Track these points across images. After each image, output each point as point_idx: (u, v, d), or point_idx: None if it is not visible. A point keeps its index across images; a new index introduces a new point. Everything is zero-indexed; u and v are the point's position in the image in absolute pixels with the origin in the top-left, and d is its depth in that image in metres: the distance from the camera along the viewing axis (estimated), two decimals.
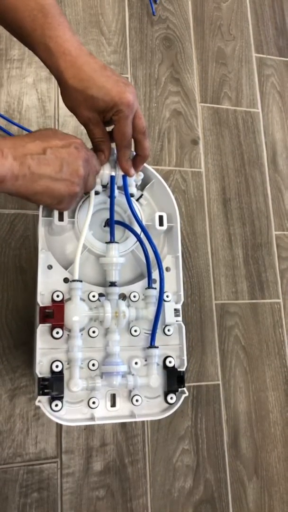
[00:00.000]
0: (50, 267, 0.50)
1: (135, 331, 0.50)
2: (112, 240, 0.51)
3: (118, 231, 0.55)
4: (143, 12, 0.99)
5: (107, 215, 0.53)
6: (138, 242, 0.52)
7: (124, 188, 0.52)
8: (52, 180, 0.43)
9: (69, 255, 0.53)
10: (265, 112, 1.02)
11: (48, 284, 0.49)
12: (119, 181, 0.53)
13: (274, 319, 0.91)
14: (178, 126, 0.95)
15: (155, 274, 0.52)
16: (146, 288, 0.51)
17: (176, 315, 0.51)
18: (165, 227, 0.54)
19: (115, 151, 0.52)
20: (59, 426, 0.75)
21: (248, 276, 0.92)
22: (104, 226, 0.55)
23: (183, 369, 0.50)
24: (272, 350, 0.89)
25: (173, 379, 0.49)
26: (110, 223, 0.51)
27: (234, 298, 0.90)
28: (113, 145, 0.53)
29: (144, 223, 0.54)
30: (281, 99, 1.04)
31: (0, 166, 0.39)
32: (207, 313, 0.88)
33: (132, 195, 0.54)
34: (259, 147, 0.99)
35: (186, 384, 0.83)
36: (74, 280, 0.49)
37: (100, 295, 0.51)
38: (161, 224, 0.54)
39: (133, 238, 0.53)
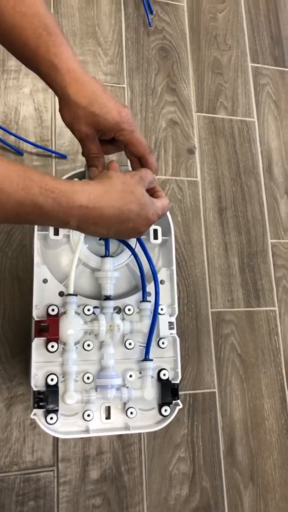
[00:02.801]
0: (45, 280, 0.51)
1: (130, 344, 0.51)
2: (107, 254, 0.52)
3: (114, 243, 0.56)
4: (140, 22, 1.00)
5: None
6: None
7: None
8: (101, 235, 0.47)
9: (65, 268, 0.54)
10: (261, 121, 1.03)
11: (43, 298, 0.50)
12: None
13: (269, 326, 0.92)
14: (174, 136, 0.96)
15: (150, 287, 0.53)
16: (140, 301, 0.52)
17: (171, 328, 0.51)
18: (159, 240, 0.55)
19: (129, 165, 0.53)
20: None
21: (244, 284, 0.92)
22: (99, 239, 0.56)
23: (177, 381, 0.51)
24: (267, 358, 0.90)
25: (167, 391, 0.49)
26: (105, 238, 0.52)
27: (230, 306, 0.91)
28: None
29: None
30: (277, 108, 1.05)
31: (62, 226, 0.43)
32: (203, 321, 0.88)
33: None
34: (254, 156, 1.00)
35: (182, 392, 0.84)
36: (69, 294, 0.49)
37: (95, 307, 0.52)
38: (155, 237, 0.55)
39: (128, 251, 0.54)
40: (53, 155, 0.87)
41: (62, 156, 0.87)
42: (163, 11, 1.02)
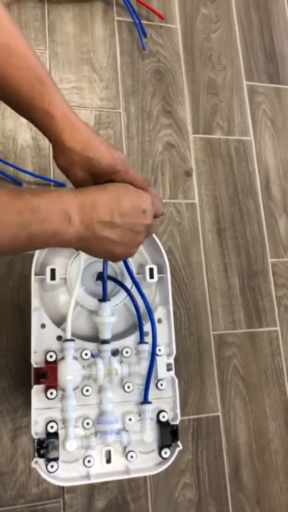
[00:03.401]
0: (43, 326, 0.52)
1: (128, 387, 0.51)
2: (104, 298, 0.52)
3: (110, 282, 0.56)
4: (134, 46, 1.00)
5: (99, 267, 0.54)
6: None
7: None
8: (113, 244, 0.45)
9: (62, 309, 0.55)
10: (257, 140, 1.03)
11: (41, 343, 0.51)
12: None
13: (272, 347, 0.92)
14: (171, 159, 0.96)
15: (147, 326, 0.53)
16: (138, 343, 0.52)
17: (169, 369, 0.51)
18: (155, 279, 0.55)
19: None
20: None
21: (245, 305, 0.92)
22: (96, 279, 0.56)
23: (177, 422, 0.51)
24: (271, 379, 0.90)
25: (167, 433, 0.50)
26: (102, 280, 0.52)
27: (231, 328, 0.91)
28: None
29: (135, 274, 0.55)
30: (273, 126, 1.05)
31: (66, 233, 0.41)
32: (205, 344, 0.88)
33: None
34: (252, 175, 1.00)
35: (186, 417, 0.84)
36: (66, 340, 0.50)
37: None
38: (151, 276, 0.55)
39: (124, 291, 0.54)
40: (52, 183, 0.88)
41: (61, 185, 0.88)
42: (156, 34, 1.03)
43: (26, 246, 0.41)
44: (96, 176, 0.51)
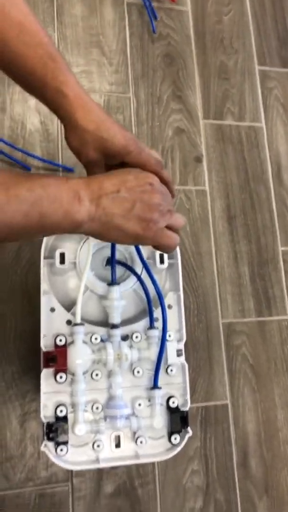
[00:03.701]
0: (53, 309, 0.51)
1: (138, 372, 0.50)
2: (113, 281, 0.52)
3: (120, 267, 0.56)
4: (144, 30, 0.98)
5: (108, 252, 0.54)
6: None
7: None
8: (123, 218, 0.44)
9: (72, 294, 0.54)
10: (269, 126, 1.01)
11: (51, 327, 0.50)
12: None
13: (282, 336, 0.91)
14: (181, 144, 0.95)
15: (158, 312, 0.53)
16: (148, 329, 0.52)
17: (179, 355, 0.51)
18: (166, 265, 0.54)
19: None
20: None
21: (254, 294, 0.92)
22: (106, 265, 0.55)
23: (187, 408, 0.50)
24: (280, 368, 0.89)
25: (177, 419, 0.49)
26: (111, 264, 0.52)
27: (241, 317, 0.90)
28: None
29: (145, 259, 0.54)
30: (285, 112, 1.03)
31: (77, 212, 0.41)
32: (214, 333, 0.88)
33: None
34: (263, 162, 0.99)
35: (194, 405, 0.84)
36: (76, 324, 0.49)
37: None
38: (162, 261, 0.54)
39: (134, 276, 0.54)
40: (60, 168, 0.87)
41: (69, 170, 0.87)
42: (167, 17, 1.01)
43: (38, 226, 0.40)
44: (108, 157, 0.50)
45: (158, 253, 0.55)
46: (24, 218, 0.38)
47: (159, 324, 0.52)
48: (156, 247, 0.47)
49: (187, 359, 0.56)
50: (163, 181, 0.52)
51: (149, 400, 0.51)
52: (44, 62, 0.47)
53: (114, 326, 0.51)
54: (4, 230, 0.39)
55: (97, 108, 0.49)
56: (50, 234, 0.53)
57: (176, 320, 0.54)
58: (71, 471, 0.75)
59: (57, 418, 0.47)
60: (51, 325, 0.50)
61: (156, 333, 0.51)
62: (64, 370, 0.48)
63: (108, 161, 0.51)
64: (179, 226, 0.49)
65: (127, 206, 0.44)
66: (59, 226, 0.41)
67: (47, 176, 0.42)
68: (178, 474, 0.80)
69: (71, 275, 0.55)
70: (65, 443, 0.46)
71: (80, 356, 0.48)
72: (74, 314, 0.51)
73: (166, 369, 0.52)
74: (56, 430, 0.46)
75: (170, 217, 0.47)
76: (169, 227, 0.47)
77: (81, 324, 0.50)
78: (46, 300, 0.51)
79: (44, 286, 0.52)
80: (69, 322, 0.51)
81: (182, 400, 0.52)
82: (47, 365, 0.48)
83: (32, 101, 0.89)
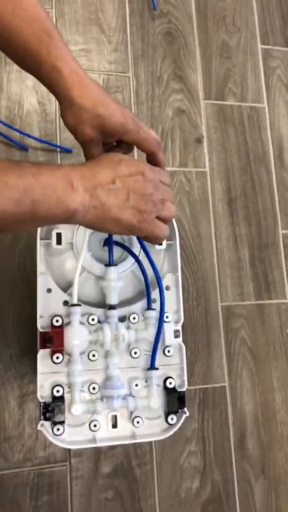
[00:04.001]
0: (49, 290, 0.51)
1: (135, 353, 0.50)
2: (110, 262, 0.51)
3: (118, 249, 0.55)
4: (144, 6, 0.96)
5: (106, 234, 0.53)
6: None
7: None
8: (120, 209, 0.43)
9: (69, 275, 0.54)
10: (271, 107, 0.99)
11: (48, 307, 0.50)
12: None
13: (281, 320, 0.91)
14: (181, 125, 0.93)
15: (156, 293, 0.52)
16: (145, 309, 0.51)
17: (176, 336, 0.51)
18: (164, 246, 0.54)
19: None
20: None
21: (254, 277, 0.91)
22: (103, 245, 0.55)
23: (184, 389, 0.50)
24: (279, 351, 0.89)
25: (174, 400, 0.49)
26: (108, 245, 0.51)
27: (240, 300, 0.90)
28: None
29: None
30: None
31: (70, 200, 0.40)
32: (213, 316, 0.88)
33: None
34: (265, 143, 0.97)
35: (192, 387, 0.84)
36: (73, 305, 0.49)
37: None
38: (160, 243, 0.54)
39: (132, 257, 0.53)
40: (58, 149, 0.86)
41: (67, 151, 0.86)
42: None
43: (31, 215, 0.39)
44: (106, 135, 0.49)
45: None
46: (16, 206, 0.37)
47: (156, 305, 0.52)
48: (146, 237, 0.46)
49: (185, 342, 0.56)
50: (158, 163, 0.51)
51: (146, 381, 0.51)
52: (39, 37, 0.45)
53: (111, 307, 0.50)
54: None
55: (95, 85, 0.47)
56: (43, 225, 0.51)
57: (174, 301, 0.53)
58: (69, 451, 0.76)
59: (54, 398, 0.47)
60: (48, 306, 0.50)
61: (153, 314, 0.51)
62: (61, 351, 0.48)
63: (105, 138, 0.50)
64: (170, 217, 0.48)
65: (122, 197, 0.43)
66: (52, 214, 0.40)
67: (37, 164, 0.41)
68: (175, 454, 0.80)
69: (68, 256, 0.54)
70: (62, 422, 0.46)
71: (77, 337, 0.48)
72: (71, 295, 0.50)
73: (164, 350, 0.51)
74: (52, 410, 0.46)
75: (163, 208, 0.46)
76: (159, 218, 0.46)
77: (77, 304, 0.49)
78: (43, 281, 0.51)
79: (40, 266, 0.51)
80: (66, 303, 0.51)
81: (179, 381, 0.52)
82: (43, 346, 0.48)
83: (30, 81, 0.87)
